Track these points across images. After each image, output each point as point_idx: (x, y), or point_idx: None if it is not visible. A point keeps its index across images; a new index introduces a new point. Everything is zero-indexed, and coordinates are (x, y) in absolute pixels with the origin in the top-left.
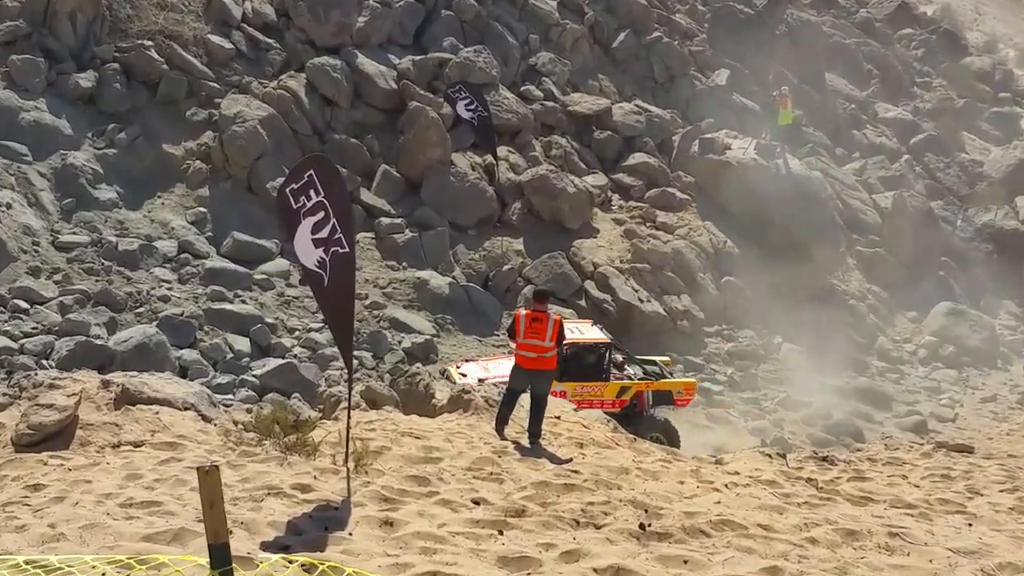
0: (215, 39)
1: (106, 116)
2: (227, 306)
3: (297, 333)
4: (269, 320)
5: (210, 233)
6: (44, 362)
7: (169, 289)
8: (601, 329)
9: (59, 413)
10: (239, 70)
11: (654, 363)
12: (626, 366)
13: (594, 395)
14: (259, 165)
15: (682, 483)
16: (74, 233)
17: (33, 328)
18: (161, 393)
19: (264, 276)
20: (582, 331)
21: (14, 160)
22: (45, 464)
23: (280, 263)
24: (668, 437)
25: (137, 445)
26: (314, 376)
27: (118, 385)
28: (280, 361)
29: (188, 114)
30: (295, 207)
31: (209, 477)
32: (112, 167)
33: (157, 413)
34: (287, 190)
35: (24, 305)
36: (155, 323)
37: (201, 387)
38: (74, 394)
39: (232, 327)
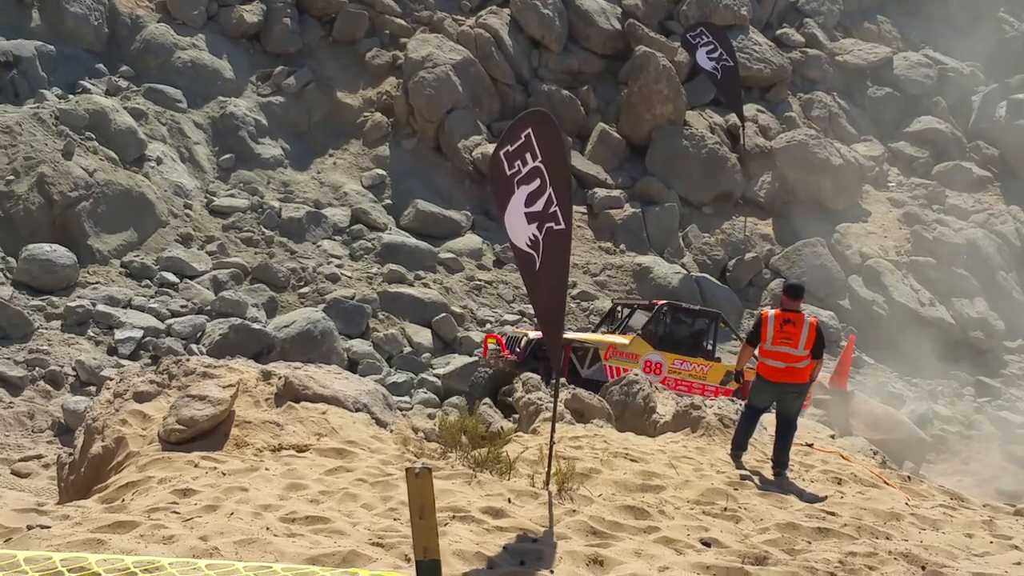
0: None
1: (272, 57)
2: (406, 290)
3: (488, 326)
4: (455, 309)
5: (389, 201)
6: (193, 347)
7: (339, 266)
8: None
9: (213, 407)
10: (431, 4)
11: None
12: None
13: (695, 375)
14: (450, 120)
15: (970, 536)
16: (231, 195)
17: (182, 306)
18: (329, 390)
19: (451, 255)
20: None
21: (167, 107)
22: (196, 466)
23: (471, 240)
24: None
25: (301, 450)
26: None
27: (280, 378)
28: (467, 359)
29: (368, 56)
30: (509, 173)
31: (420, 481)
32: (277, 118)
33: (324, 413)
34: (502, 153)
35: (173, 279)
36: (321, 307)
37: (376, 385)
38: (230, 385)
39: (411, 315)
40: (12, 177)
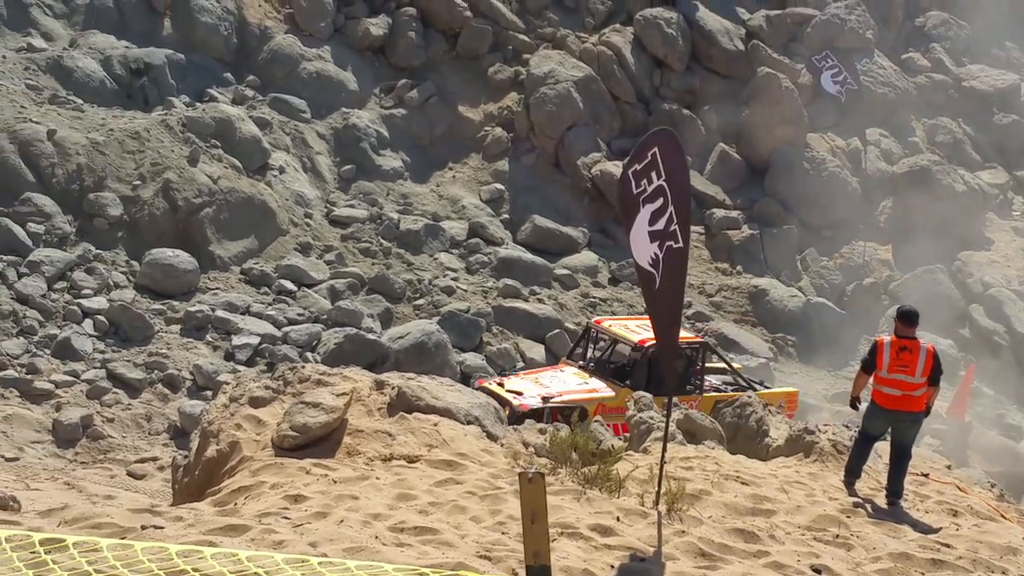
0: None
1: (396, 70)
2: (521, 304)
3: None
4: (569, 325)
5: (507, 215)
6: (308, 355)
7: (455, 279)
8: (692, 326)
9: (326, 415)
10: (554, 21)
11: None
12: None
13: None
14: (570, 136)
15: None
16: (351, 206)
17: (299, 314)
18: (442, 402)
19: (567, 271)
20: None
21: (291, 117)
22: (307, 472)
23: (587, 257)
24: None
25: (411, 460)
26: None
27: (393, 388)
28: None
29: (490, 71)
30: (635, 192)
31: (533, 486)
32: (399, 130)
33: (436, 425)
34: (630, 172)
35: (291, 287)
36: (436, 319)
37: (488, 398)
38: (344, 394)
39: (525, 330)
40: (139, 182)
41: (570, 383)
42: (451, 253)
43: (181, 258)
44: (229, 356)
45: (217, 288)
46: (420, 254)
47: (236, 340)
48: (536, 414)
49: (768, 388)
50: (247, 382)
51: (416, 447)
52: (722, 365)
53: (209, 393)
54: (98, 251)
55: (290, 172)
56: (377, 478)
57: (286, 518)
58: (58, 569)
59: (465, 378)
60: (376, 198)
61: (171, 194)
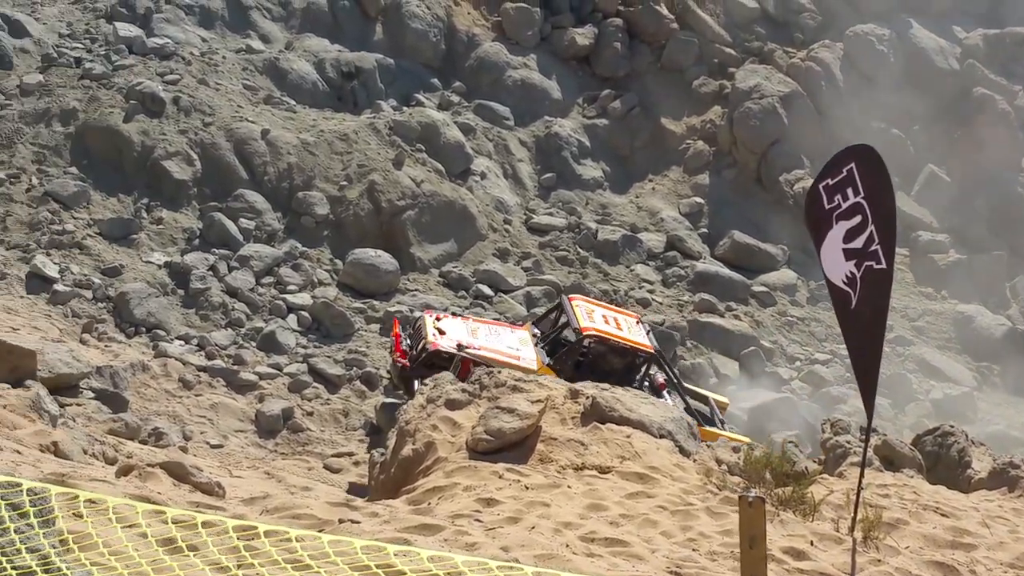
0: None
1: (600, 80)
2: (716, 320)
3: (798, 363)
4: (765, 343)
5: (705, 229)
6: None
7: (651, 291)
8: (649, 333)
9: (521, 421)
10: (762, 35)
11: (706, 400)
12: (665, 392)
13: None
14: (773, 152)
15: None
16: (550, 214)
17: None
18: (635, 414)
19: (764, 289)
20: (623, 326)
21: (495, 124)
22: (500, 477)
23: (786, 275)
24: None
25: (603, 471)
26: (815, 418)
27: (588, 398)
28: (774, 395)
29: (695, 84)
30: (827, 207)
31: (753, 510)
32: (600, 140)
33: (629, 437)
34: (821, 186)
35: (488, 292)
36: None
37: (681, 413)
38: (539, 401)
39: (720, 346)
40: (345, 183)
41: (504, 343)
42: (648, 265)
43: (383, 258)
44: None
45: (416, 290)
46: (616, 265)
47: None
48: (447, 359)
49: (723, 428)
50: (444, 384)
51: (608, 458)
52: (706, 393)
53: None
54: (304, 248)
55: (491, 178)
56: (569, 486)
57: (479, 521)
58: (248, 556)
59: (657, 391)
60: (575, 207)
61: (376, 195)
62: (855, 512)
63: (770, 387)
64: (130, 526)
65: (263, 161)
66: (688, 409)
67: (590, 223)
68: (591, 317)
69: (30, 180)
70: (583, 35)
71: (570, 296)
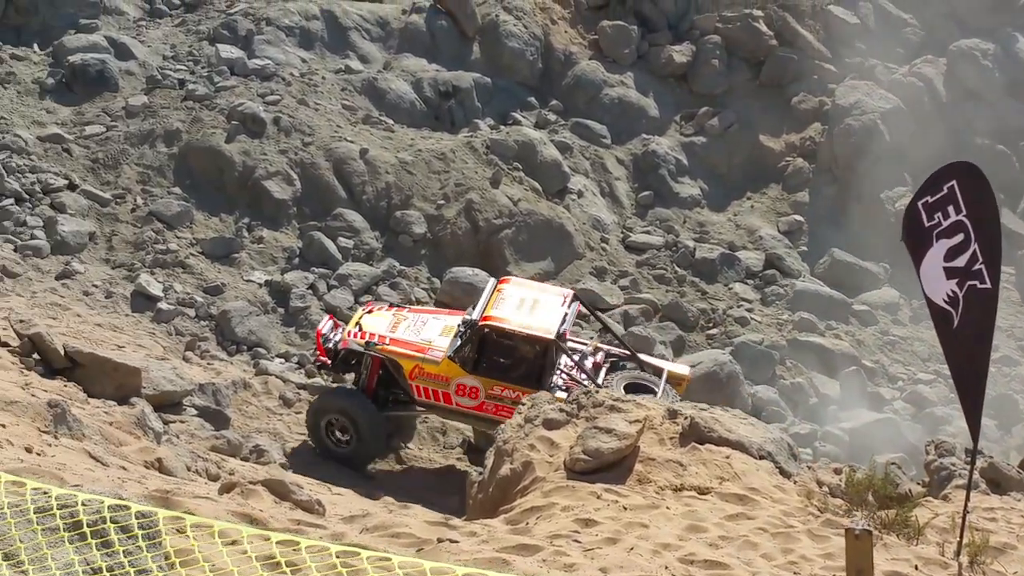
0: (838, 11)
1: (698, 97)
2: (816, 339)
3: (900, 383)
4: (866, 363)
5: (804, 248)
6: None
7: (749, 310)
8: (568, 310)
9: (619, 441)
10: (862, 50)
11: (660, 372)
12: (604, 370)
13: (517, 403)
14: (874, 170)
15: None
16: (647, 232)
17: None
18: (735, 434)
19: (865, 308)
20: (541, 311)
21: (591, 142)
22: (598, 497)
23: (888, 293)
24: None
25: (702, 492)
26: (918, 439)
27: (686, 418)
28: (876, 415)
29: (794, 101)
30: (927, 225)
31: (860, 543)
32: (698, 158)
33: (728, 458)
34: (919, 204)
35: (584, 311)
36: (729, 349)
37: (782, 434)
38: (637, 421)
39: (819, 366)
40: (443, 201)
41: (420, 335)
42: (746, 283)
43: (480, 277)
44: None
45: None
46: (714, 283)
47: None
48: (354, 355)
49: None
50: (542, 404)
51: (707, 479)
52: (663, 365)
53: None
54: (402, 267)
55: (588, 196)
56: (667, 507)
57: (577, 541)
58: None
59: (756, 411)
60: (672, 225)
61: (473, 214)
62: (961, 536)
63: (872, 408)
64: (233, 542)
65: (361, 180)
66: (634, 384)
67: (688, 241)
68: (502, 304)
69: (135, 200)
70: (680, 52)
71: (501, 279)
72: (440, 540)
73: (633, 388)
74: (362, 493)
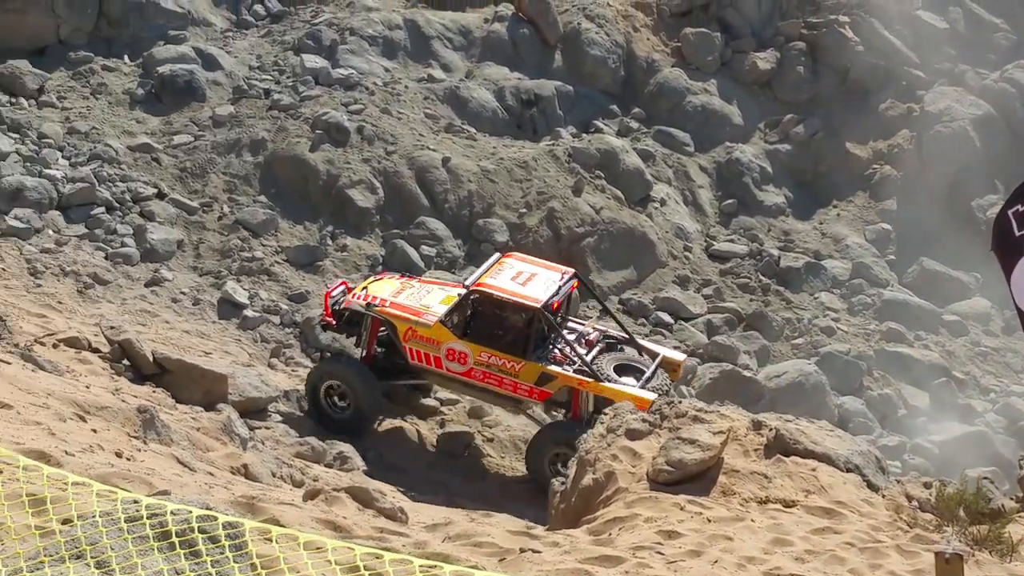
0: (926, 16)
1: (783, 105)
2: (905, 350)
3: (992, 395)
4: (957, 374)
5: (892, 257)
6: (683, 388)
7: (835, 320)
8: (562, 287)
9: (702, 452)
10: (952, 56)
11: (655, 356)
12: (596, 350)
13: (505, 370)
14: (964, 177)
15: None
16: (731, 241)
17: (675, 347)
18: (820, 447)
19: (956, 318)
20: (535, 283)
21: (674, 150)
22: (682, 509)
23: (979, 304)
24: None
25: (788, 505)
26: (1011, 453)
27: (771, 429)
28: (967, 428)
29: (881, 108)
30: (1018, 234)
31: (950, 567)
32: (783, 166)
33: (814, 470)
34: (1010, 212)
35: (667, 319)
36: (814, 359)
37: (869, 447)
38: (720, 432)
39: (909, 377)
40: (525, 210)
41: (423, 302)
42: (832, 293)
43: None
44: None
45: (595, 317)
46: (800, 292)
47: None
48: (358, 317)
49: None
50: (624, 413)
51: (793, 492)
52: (658, 350)
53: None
54: None
55: (671, 204)
56: (752, 520)
57: (660, 553)
58: None
59: (842, 422)
60: (757, 233)
61: (555, 222)
62: None
63: (963, 420)
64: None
65: (444, 189)
66: (625, 364)
67: (772, 250)
68: (499, 274)
69: (222, 208)
70: (765, 59)
71: (506, 253)
72: (522, 550)
73: (623, 368)
74: (443, 501)
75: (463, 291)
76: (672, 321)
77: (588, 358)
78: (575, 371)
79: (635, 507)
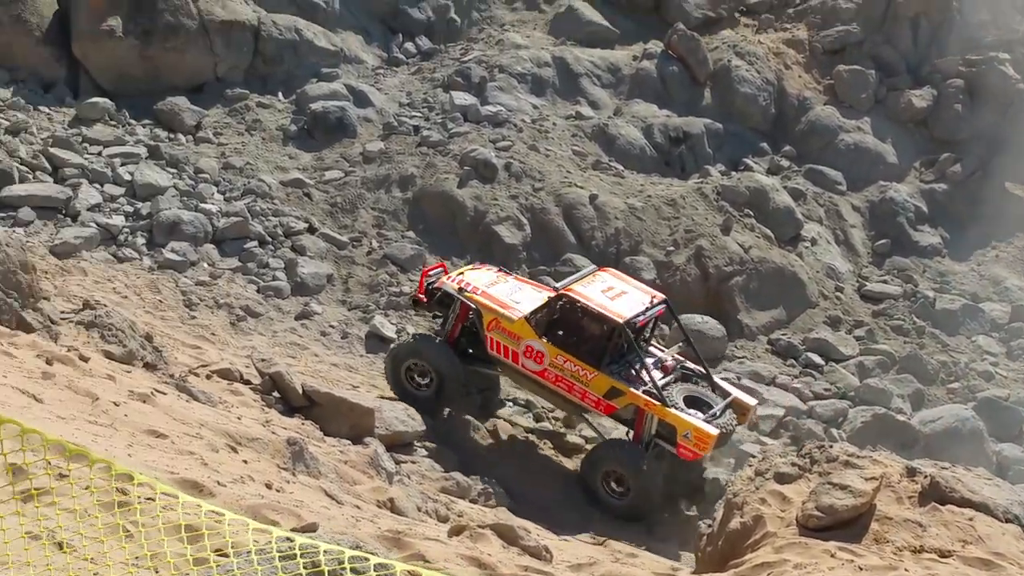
0: None
1: (939, 143)
2: None
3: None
4: None
5: None
6: (834, 431)
7: (994, 364)
8: (649, 312)
9: (854, 498)
10: None
11: (727, 394)
12: (668, 377)
13: (577, 377)
14: None
15: None
16: (884, 281)
17: (825, 389)
18: (978, 495)
19: None
20: (623, 299)
21: (826, 189)
22: (832, 556)
23: None
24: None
25: (943, 555)
26: None
27: (926, 476)
28: None
29: None
30: None
31: None
32: (939, 205)
33: (971, 520)
34: None
35: (818, 360)
36: (971, 404)
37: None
38: (873, 478)
39: None
40: (672, 248)
41: (513, 297)
42: (991, 336)
43: (709, 324)
44: (752, 426)
45: (744, 357)
46: (956, 335)
47: (761, 411)
48: (449, 299)
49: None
50: (773, 457)
51: (949, 541)
52: (730, 389)
53: (731, 462)
54: None
55: (822, 244)
56: (906, 569)
57: None
58: None
59: (1001, 470)
60: (911, 275)
61: (703, 261)
62: None
63: None
64: None
65: (591, 226)
66: (693, 397)
67: (927, 291)
68: (590, 285)
69: (371, 243)
70: (920, 97)
71: (602, 267)
72: None
73: (693, 401)
74: (588, 539)
75: (552, 294)
76: (823, 362)
77: (660, 383)
78: (644, 391)
79: (784, 552)
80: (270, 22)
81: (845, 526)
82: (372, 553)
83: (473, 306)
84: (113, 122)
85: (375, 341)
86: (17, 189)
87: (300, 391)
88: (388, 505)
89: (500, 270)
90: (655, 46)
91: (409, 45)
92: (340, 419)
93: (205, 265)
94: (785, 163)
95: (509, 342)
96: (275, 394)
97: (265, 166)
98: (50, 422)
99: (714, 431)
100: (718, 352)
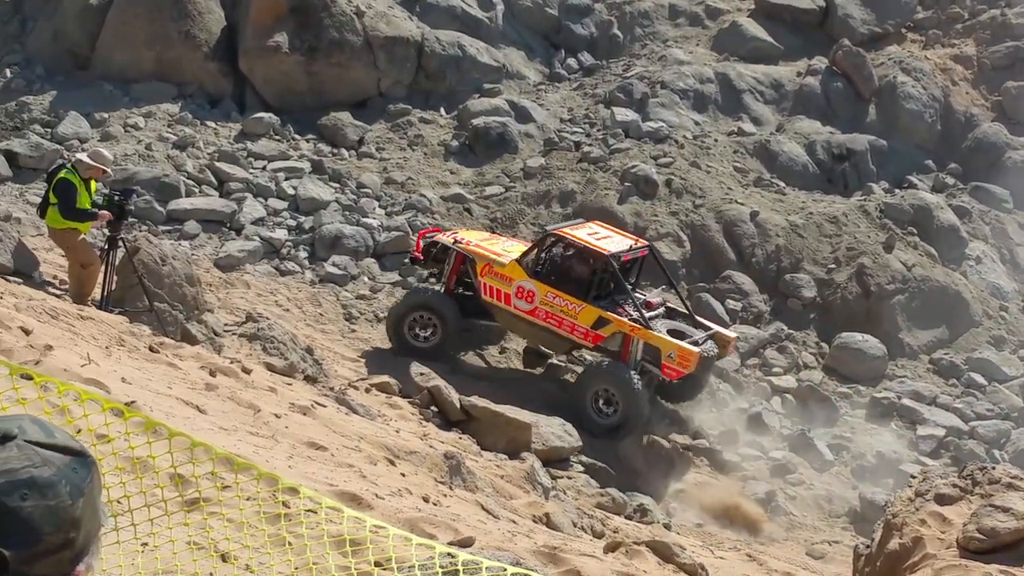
0: None
1: None
2: None
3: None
4: None
5: None
6: (996, 452)
7: None
8: (633, 251)
9: (1017, 521)
10: None
11: (707, 328)
12: (651, 313)
13: (566, 312)
14: None
15: None
16: None
17: (988, 410)
18: None
19: None
20: (607, 239)
21: (992, 207)
22: None
23: None
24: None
25: None
26: None
27: None
28: None
29: None
30: None
31: None
32: None
33: None
34: None
35: (980, 380)
36: None
37: None
38: None
39: None
40: (833, 265)
41: (504, 247)
42: None
43: (870, 343)
44: (912, 446)
45: (904, 376)
46: None
47: (921, 430)
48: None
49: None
50: (934, 478)
51: None
52: (710, 325)
53: (891, 482)
54: (790, 331)
55: (987, 263)
56: None
57: None
58: None
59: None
60: None
61: (864, 279)
62: None
63: None
64: None
65: (751, 243)
66: (675, 330)
67: None
68: (579, 229)
69: None
70: None
71: (593, 219)
72: None
73: (676, 334)
74: (742, 556)
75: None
76: (985, 382)
77: (647, 317)
78: (629, 320)
79: (943, 575)
80: (433, 38)
81: (1007, 549)
82: (532, 570)
83: (468, 255)
84: (278, 137)
85: (532, 356)
86: (183, 203)
87: (458, 405)
88: (544, 520)
89: (493, 232)
90: (819, 62)
91: (571, 61)
92: (497, 433)
93: (366, 279)
94: (950, 181)
95: (501, 284)
96: (433, 408)
97: (426, 181)
98: (213, 433)
99: (696, 349)
100: (878, 371)
